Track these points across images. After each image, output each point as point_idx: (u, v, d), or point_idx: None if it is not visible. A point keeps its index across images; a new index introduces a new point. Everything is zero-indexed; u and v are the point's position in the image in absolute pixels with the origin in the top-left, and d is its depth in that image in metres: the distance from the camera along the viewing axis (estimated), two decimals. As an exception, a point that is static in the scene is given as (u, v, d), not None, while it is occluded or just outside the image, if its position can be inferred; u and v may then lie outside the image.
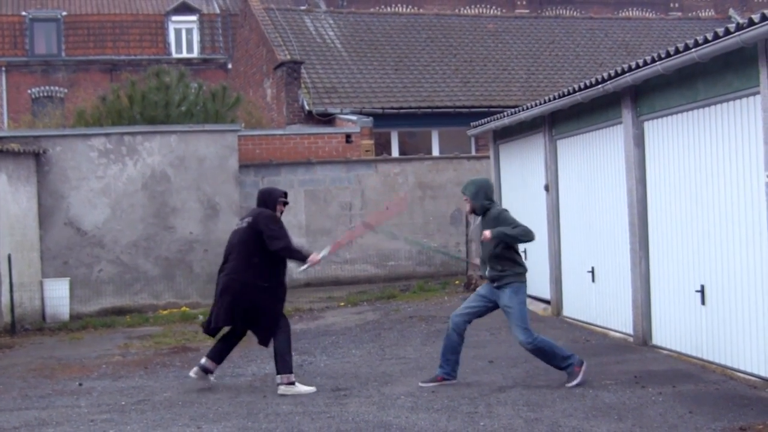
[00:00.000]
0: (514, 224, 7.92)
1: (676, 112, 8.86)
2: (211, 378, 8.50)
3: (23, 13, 34.16)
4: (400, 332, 11.50)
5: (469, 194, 8.11)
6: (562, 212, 12.11)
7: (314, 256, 8.28)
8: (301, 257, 8.25)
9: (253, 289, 8.06)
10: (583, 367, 7.87)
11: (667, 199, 9.12)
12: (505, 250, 7.95)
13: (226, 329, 8.46)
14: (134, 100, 17.25)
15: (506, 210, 8.27)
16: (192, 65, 32.13)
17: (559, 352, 7.93)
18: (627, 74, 9.14)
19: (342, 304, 14.79)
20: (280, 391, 8.09)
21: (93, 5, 35.20)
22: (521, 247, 8.35)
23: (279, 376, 8.12)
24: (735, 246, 7.89)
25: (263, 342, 8.25)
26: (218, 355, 8.46)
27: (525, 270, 8.08)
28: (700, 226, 8.49)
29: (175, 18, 35.40)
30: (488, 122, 14.48)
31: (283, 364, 8.10)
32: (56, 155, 14.79)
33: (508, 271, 7.93)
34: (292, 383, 8.09)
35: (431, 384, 8.06)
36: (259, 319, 8.14)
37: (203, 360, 8.48)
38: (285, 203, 8.48)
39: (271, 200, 8.38)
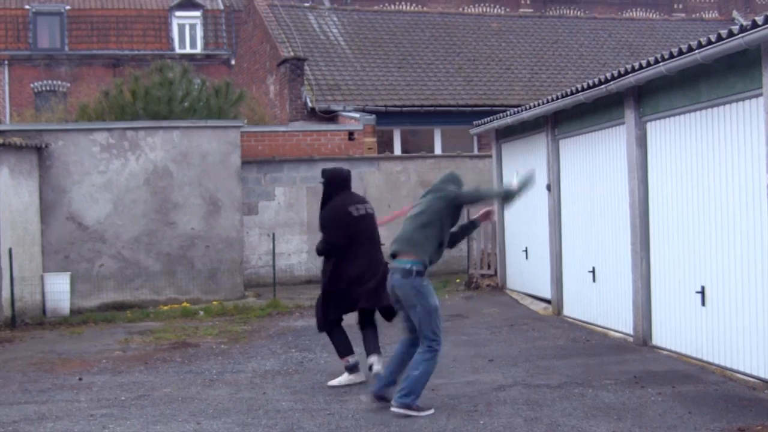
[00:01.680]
0: None
1: (679, 114, 8.86)
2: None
3: (27, 7, 34.11)
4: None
5: None
6: (564, 212, 12.12)
7: None
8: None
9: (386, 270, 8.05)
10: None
11: (669, 200, 9.13)
12: None
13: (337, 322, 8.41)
14: (137, 96, 17.25)
15: None
16: (195, 61, 32.11)
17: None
18: (630, 75, 9.15)
19: (343, 301, 14.75)
20: (374, 371, 8.08)
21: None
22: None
23: (375, 356, 8.17)
24: (736, 247, 7.89)
25: (390, 317, 8.30)
26: (373, 345, 8.36)
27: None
28: (701, 228, 8.49)
29: (178, 13, 35.35)
30: (491, 121, 14.49)
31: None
32: (58, 149, 14.79)
33: None
34: None
35: None
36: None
37: (373, 359, 8.28)
38: None
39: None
